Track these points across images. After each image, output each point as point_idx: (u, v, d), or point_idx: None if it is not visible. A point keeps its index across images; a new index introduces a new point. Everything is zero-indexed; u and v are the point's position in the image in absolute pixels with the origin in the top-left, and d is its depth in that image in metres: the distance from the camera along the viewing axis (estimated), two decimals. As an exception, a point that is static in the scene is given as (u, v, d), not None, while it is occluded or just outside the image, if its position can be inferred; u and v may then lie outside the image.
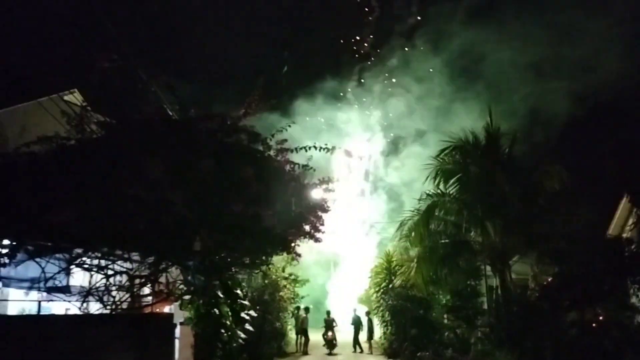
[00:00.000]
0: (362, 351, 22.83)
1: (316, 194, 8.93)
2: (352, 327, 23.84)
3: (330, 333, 23.25)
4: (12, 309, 11.70)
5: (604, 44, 27.92)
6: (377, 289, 22.44)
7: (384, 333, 22.40)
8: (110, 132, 7.17)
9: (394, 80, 39.12)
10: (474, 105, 29.33)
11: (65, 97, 14.29)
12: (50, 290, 8.60)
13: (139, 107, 7.87)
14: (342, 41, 40.12)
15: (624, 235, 13.83)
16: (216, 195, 6.58)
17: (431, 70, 36.48)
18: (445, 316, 18.12)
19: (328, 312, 24.59)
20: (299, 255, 10.60)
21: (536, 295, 16.14)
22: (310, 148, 9.14)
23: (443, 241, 16.34)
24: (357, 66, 41.72)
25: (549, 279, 16.78)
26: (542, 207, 15.66)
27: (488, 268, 16.57)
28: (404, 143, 37.24)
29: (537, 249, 16.04)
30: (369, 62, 41.35)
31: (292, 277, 20.94)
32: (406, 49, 39.28)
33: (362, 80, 41.23)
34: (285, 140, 8.86)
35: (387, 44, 40.83)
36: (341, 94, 40.12)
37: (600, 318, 13.62)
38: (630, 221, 14.07)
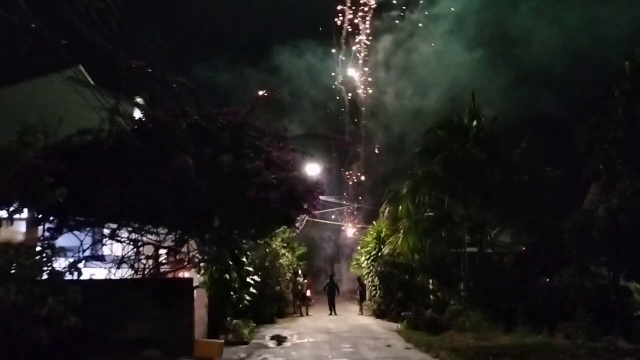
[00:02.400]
0: (335, 314, 23.61)
1: (312, 174, 10.35)
2: (327, 291, 24.85)
3: (307, 291, 25.33)
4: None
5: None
6: (367, 257, 24.01)
7: (373, 296, 23.98)
8: (142, 127, 8.53)
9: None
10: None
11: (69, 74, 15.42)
12: (88, 258, 10.12)
13: (162, 104, 9.20)
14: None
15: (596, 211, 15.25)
16: (233, 183, 8.00)
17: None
18: (430, 281, 19.78)
19: (305, 275, 25.95)
20: (298, 228, 12.28)
21: (510, 262, 17.86)
22: (308, 136, 10.71)
23: (427, 214, 17.90)
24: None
25: (523, 248, 18.50)
26: (517, 182, 17.21)
27: (468, 238, 18.22)
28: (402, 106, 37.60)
29: (512, 221, 17.70)
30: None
31: (290, 245, 22.43)
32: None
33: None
34: (286, 129, 10.29)
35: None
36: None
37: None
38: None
